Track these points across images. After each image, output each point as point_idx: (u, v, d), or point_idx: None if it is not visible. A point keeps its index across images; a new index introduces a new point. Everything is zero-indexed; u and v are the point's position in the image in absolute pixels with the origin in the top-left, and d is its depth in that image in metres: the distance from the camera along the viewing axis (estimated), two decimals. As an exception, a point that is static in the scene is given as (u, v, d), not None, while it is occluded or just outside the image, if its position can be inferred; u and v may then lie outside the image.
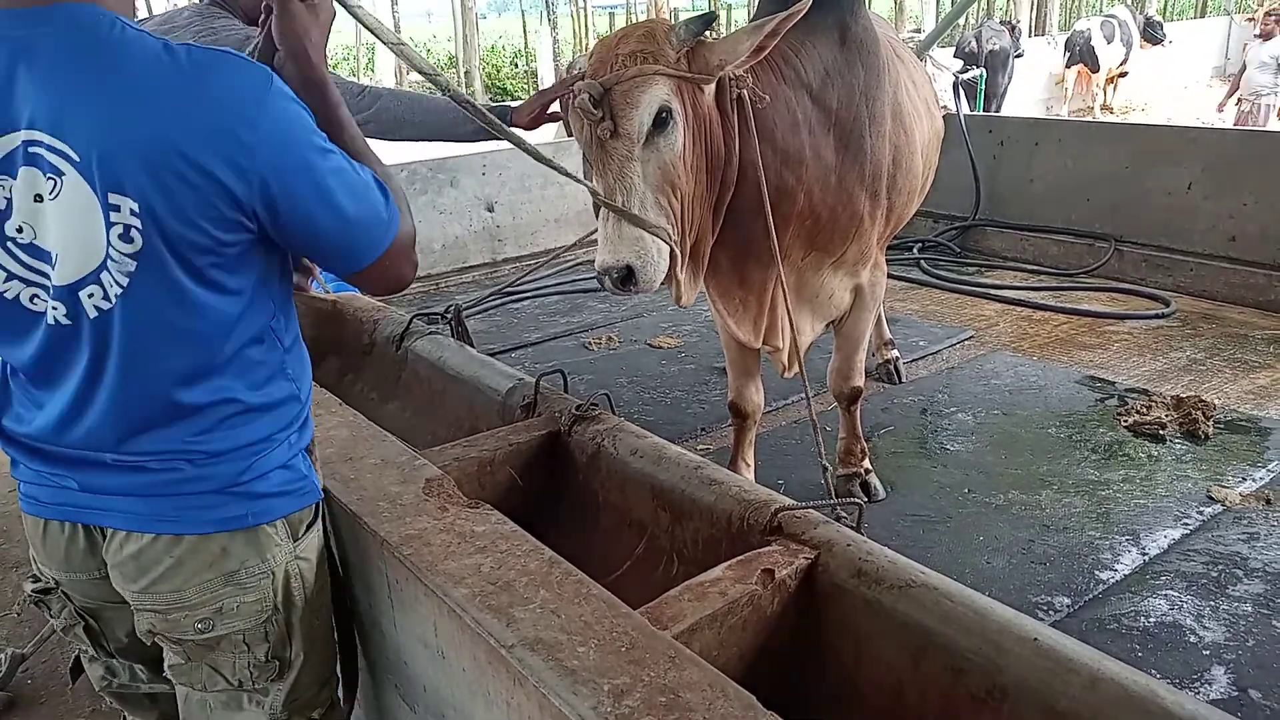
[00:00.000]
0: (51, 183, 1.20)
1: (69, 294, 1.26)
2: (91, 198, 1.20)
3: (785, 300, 2.66)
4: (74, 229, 1.22)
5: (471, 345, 3.12)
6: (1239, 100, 10.88)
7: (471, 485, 2.18)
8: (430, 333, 3.05)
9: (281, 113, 1.26)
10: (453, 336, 3.12)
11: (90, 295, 1.25)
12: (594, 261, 2.33)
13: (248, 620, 1.47)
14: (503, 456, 2.31)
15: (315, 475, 1.55)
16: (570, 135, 2.51)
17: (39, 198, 1.21)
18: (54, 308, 1.27)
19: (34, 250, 1.25)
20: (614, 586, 2.26)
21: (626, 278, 2.27)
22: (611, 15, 20.90)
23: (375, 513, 1.69)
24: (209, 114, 1.21)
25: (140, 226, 1.21)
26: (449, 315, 3.15)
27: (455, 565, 1.52)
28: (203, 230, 1.24)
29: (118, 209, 1.20)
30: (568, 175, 2.28)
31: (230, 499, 1.41)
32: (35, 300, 1.28)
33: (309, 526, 1.54)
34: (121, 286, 1.25)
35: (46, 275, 1.26)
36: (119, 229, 1.21)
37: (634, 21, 20.13)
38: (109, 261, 1.23)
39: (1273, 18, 11.02)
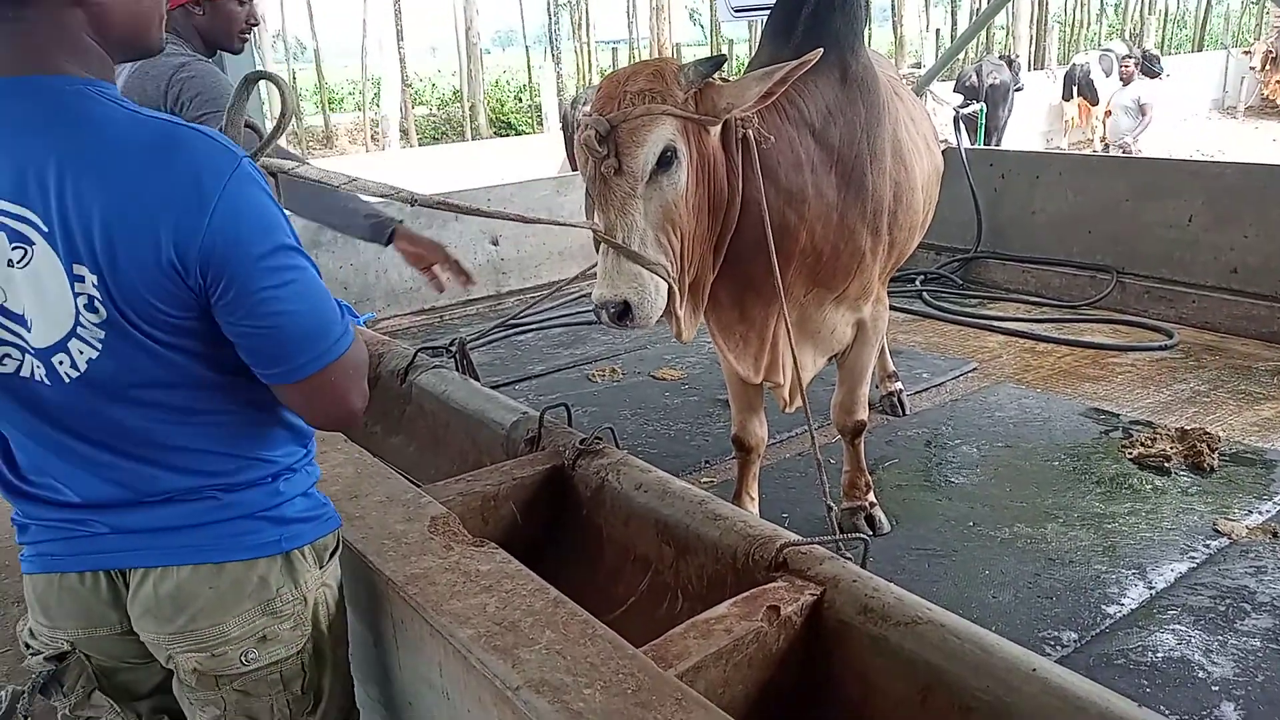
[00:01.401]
0: (20, 251, 1.21)
1: (44, 358, 1.27)
2: (58, 267, 1.20)
3: (789, 337, 2.67)
4: (44, 296, 1.23)
5: (476, 378, 3.12)
6: (1106, 145, 11.13)
7: (475, 521, 2.18)
8: (435, 366, 3.06)
9: (241, 199, 1.23)
10: (457, 370, 3.13)
11: (61, 362, 1.26)
12: (591, 295, 2.34)
13: (290, 647, 1.47)
14: (506, 491, 2.30)
15: (332, 505, 1.57)
16: (575, 170, 2.53)
17: (10, 263, 1.22)
18: (35, 367, 1.28)
19: (6, 313, 1.26)
20: (618, 623, 2.26)
21: (623, 313, 2.28)
22: (614, 50, 21.10)
23: (380, 551, 1.69)
24: (165, 191, 1.19)
25: (101, 298, 1.21)
26: (453, 349, 3.16)
27: (460, 605, 1.52)
28: (155, 306, 1.23)
29: (81, 279, 1.21)
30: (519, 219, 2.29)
31: (264, 524, 1.42)
32: (6, 360, 1.28)
33: (332, 554, 1.56)
34: (97, 351, 1.25)
35: (22, 338, 1.27)
36: (84, 299, 1.22)
37: (637, 57, 20.29)
38: (79, 329, 1.24)
39: (1131, 60, 11.27)
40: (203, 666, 1.43)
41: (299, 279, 1.29)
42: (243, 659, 1.43)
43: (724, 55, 2.47)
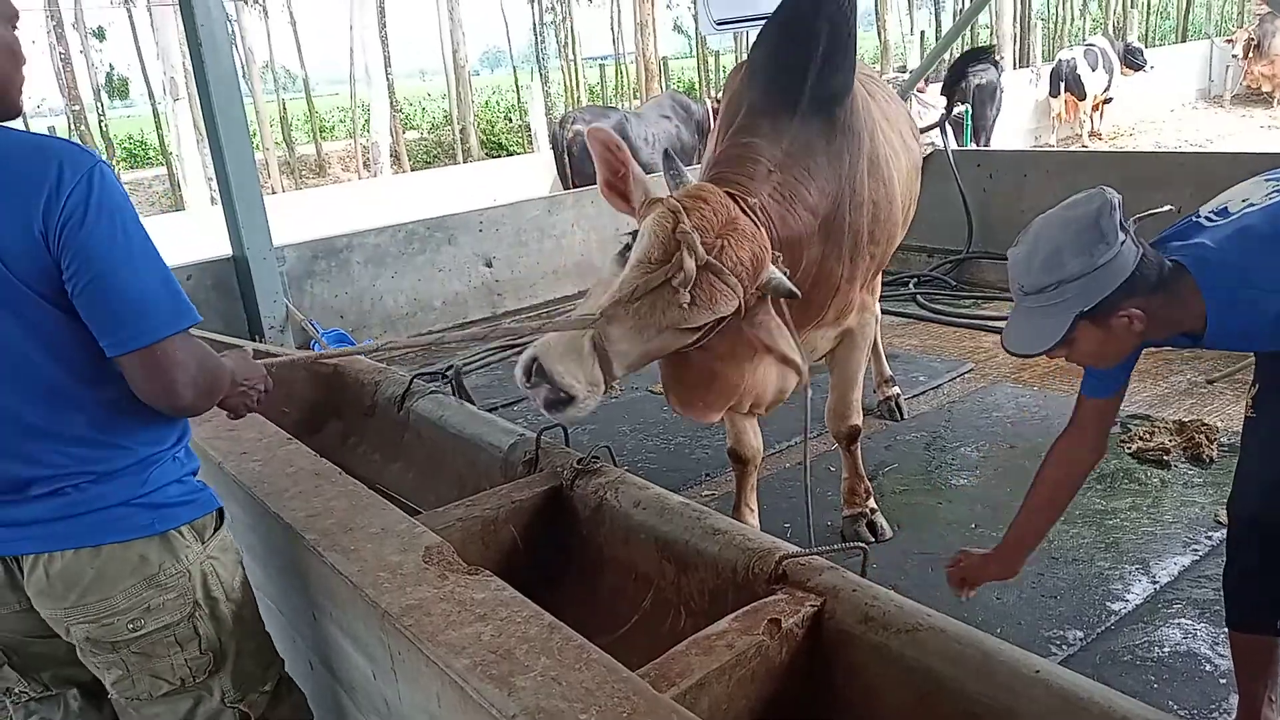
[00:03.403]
0: None
1: None
2: None
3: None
4: None
5: (472, 403, 3.14)
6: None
7: (475, 545, 2.19)
8: (431, 392, 3.07)
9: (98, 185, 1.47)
10: (453, 395, 3.14)
11: None
12: (529, 352, 2.10)
13: (174, 614, 1.65)
14: (505, 514, 2.31)
15: (210, 491, 1.76)
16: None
17: None
18: None
19: None
20: (622, 642, 2.27)
21: (561, 402, 2.09)
22: (602, 67, 21.18)
23: (376, 584, 1.70)
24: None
25: None
26: (449, 375, 3.17)
27: (456, 634, 1.53)
28: (36, 271, 1.45)
29: None
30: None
31: (135, 510, 1.61)
32: None
33: (215, 530, 1.75)
34: None
35: None
36: None
37: (624, 73, 20.21)
38: None
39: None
40: (93, 635, 1.62)
41: (148, 247, 1.52)
42: (130, 626, 1.62)
43: (797, 293, 2.37)
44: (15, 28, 1.57)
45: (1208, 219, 1.88)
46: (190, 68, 5.22)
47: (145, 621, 1.63)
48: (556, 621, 1.59)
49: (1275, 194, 1.83)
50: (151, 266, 1.52)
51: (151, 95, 16.06)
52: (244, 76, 16.99)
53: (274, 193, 14.64)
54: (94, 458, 1.58)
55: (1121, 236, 1.72)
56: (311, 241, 5.91)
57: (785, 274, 2.34)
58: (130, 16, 15.85)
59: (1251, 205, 1.83)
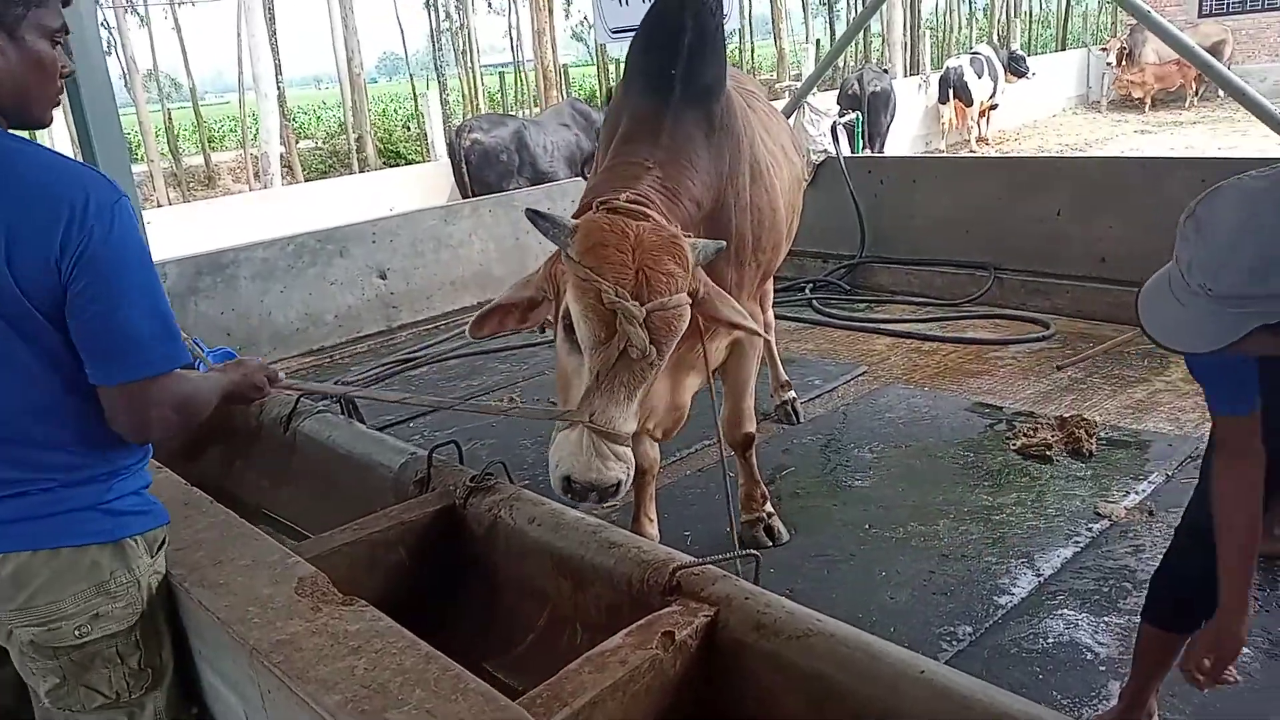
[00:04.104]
0: None
1: None
2: None
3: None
4: None
5: (362, 420, 3.06)
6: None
7: (361, 571, 2.13)
8: (318, 411, 2.99)
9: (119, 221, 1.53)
10: (343, 413, 3.06)
11: None
12: (560, 471, 2.14)
13: (121, 623, 1.67)
14: (395, 536, 2.26)
15: (160, 504, 1.80)
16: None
17: None
18: None
19: None
20: (519, 661, 2.24)
21: (615, 490, 2.15)
22: (501, 75, 21.00)
23: (244, 619, 1.65)
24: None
25: None
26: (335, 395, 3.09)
27: (327, 670, 1.48)
28: (43, 292, 1.49)
29: None
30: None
31: (96, 515, 1.64)
32: None
33: (160, 546, 1.79)
34: None
35: None
36: None
37: (523, 80, 20.03)
38: None
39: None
40: (38, 638, 1.63)
41: (154, 289, 1.58)
42: (76, 632, 1.63)
43: (724, 243, 2.39)
44: (57, 42, 1.59)
45: None
46: (60, 77, 4.93)
47: (91, 629, 1.64)
48: (434, 651, 1.55)
49: None
50: (150, 306, 1.56)
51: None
52: (126, 86, 16.34)
53: (159, 206, 14.09)
54: (71, 464, 1.62)
55: None
56: (194, 257, 5.70)
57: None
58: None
59: None
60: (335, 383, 5.07)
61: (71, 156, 1.60)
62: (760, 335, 2.61)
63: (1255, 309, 1.47)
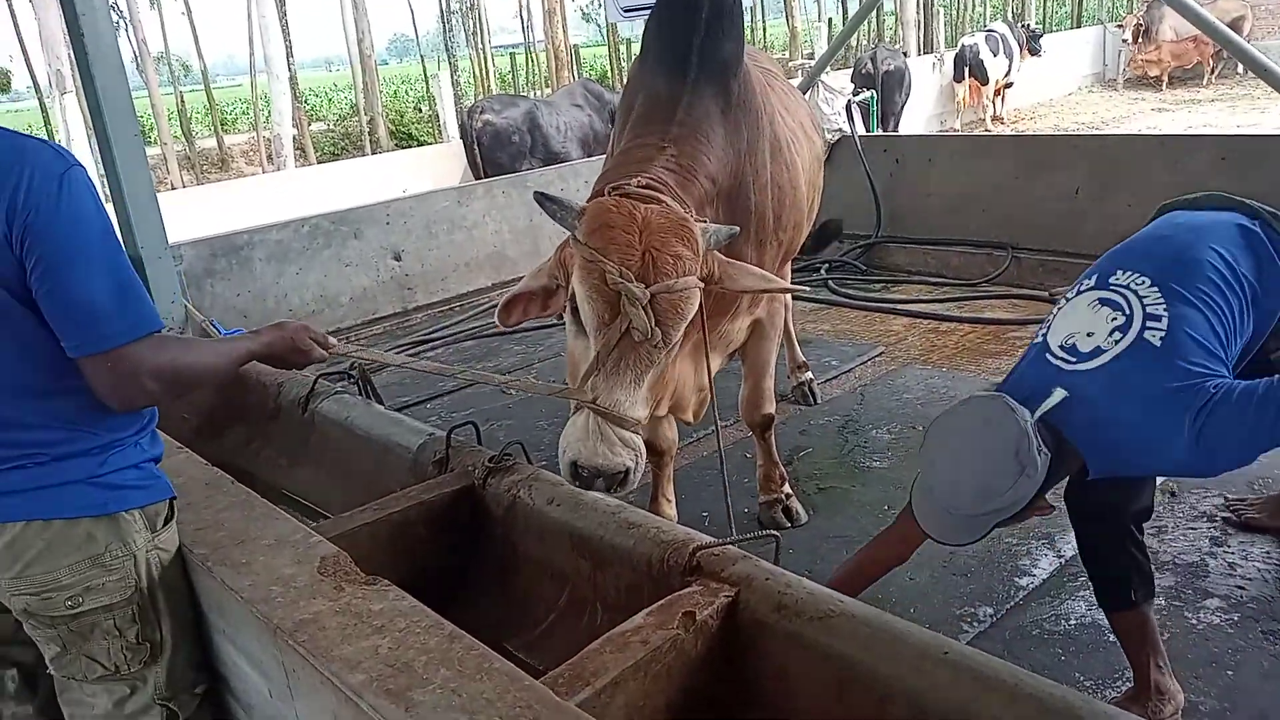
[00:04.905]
0: None
1: None
2: None
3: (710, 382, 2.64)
4: None
5: (380, 401, 3.06)
6: None
7: (382, 550, 2.13)
8: (336, 393, 2.99)
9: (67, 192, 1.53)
10: (360, 394, 3.06)
11: None
12: (567, 456, 2.11)
13: (113, 596, 1.69)
14: (415, 516, 2.26)
15: (166, 478, 1.80)
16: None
17: None
18: None
19: None
20: (539, 641, 2.24)
21: (623, 479, 2.12)
22: (512, 56, 20.93)
23: (268, 599, 1.64)
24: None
25: None
26: (353, 373, 3.09)
27: (351, 649, 1.48)
28: (3, 269, 1.50)
29: None
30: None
31: (91, 488, 1.65)
32: None
33: (166, 521, 1.79)
34: None
35: None
36: None
37: (534, 61, 20.00)
38: None
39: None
40: (30, 607, 1.66)
41: (117, 253, 1.57)
42: (68, 603, 1.66)
43: (736, 228, 2.34)
44: None
45: (1062, 359, 2.04)
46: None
47: (84, 600, 1.66)
48: (457, 630, 1.54)
49: (1117, 332, 2.00)
50: (107, 275, 1.54)
51: (37, 88, 15.32)
52: (138, 68, 16.35)
53: (173, 188, 14.12)
54: (56, 440, 1.63)
55: (1040, 461, 1.89)
56: (210, 239, 5.71)
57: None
58: (10, 6, 15.06)
59: (1101, 350, 2.00)
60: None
61: (25, 132, 1.59)
62: (791, 291, 2.58)
63: (993, 518, 1.98)
